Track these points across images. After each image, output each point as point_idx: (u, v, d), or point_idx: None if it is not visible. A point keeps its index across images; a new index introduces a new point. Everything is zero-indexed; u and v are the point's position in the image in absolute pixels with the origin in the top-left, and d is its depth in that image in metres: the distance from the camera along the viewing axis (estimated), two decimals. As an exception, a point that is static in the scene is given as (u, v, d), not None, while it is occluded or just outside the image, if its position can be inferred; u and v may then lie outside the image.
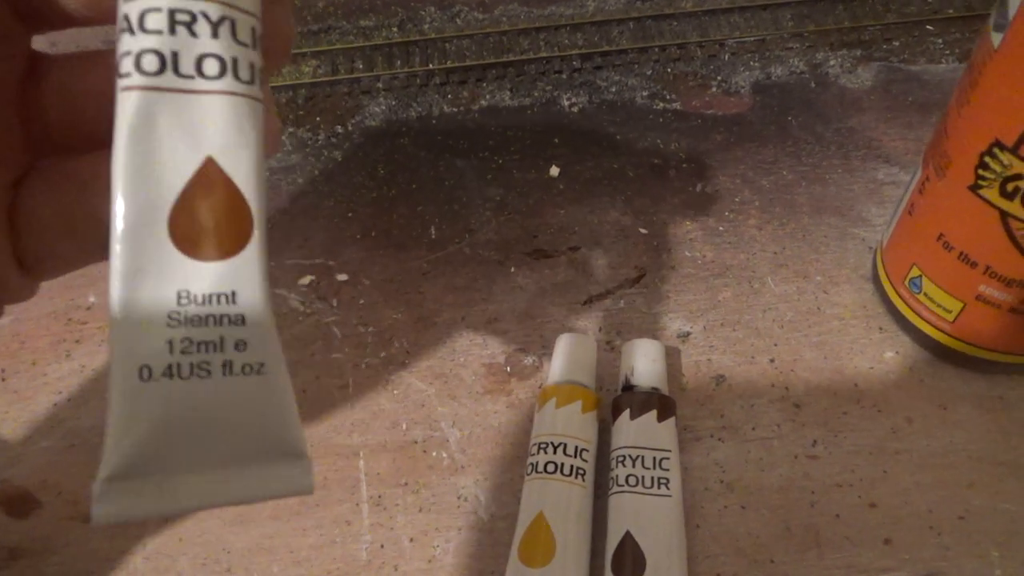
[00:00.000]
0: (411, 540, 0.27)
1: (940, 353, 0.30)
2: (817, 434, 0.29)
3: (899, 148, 0.38)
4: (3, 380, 0.32)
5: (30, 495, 0.29)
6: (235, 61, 0.12)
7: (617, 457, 0.27)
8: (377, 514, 0.28)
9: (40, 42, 0.15)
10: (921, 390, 0.30)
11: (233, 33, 0.12)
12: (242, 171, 0.13)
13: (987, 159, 0.25)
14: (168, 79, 0.12)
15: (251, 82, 0.13)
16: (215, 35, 0.12)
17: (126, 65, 0.12)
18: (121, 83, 0.12)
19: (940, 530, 0.27)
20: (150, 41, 0.12)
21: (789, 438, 0.29)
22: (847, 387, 0.30)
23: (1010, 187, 0.24)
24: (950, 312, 0.29)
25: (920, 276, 0.29)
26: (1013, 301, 0.27)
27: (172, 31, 0.12)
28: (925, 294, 0.29)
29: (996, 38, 0.24)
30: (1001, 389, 0.30)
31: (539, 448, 0.27)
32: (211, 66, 0.12)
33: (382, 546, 0.27)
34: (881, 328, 0.32)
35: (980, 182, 0.25)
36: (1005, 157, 0.24)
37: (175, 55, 0.12)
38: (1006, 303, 0.27)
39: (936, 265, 0.28)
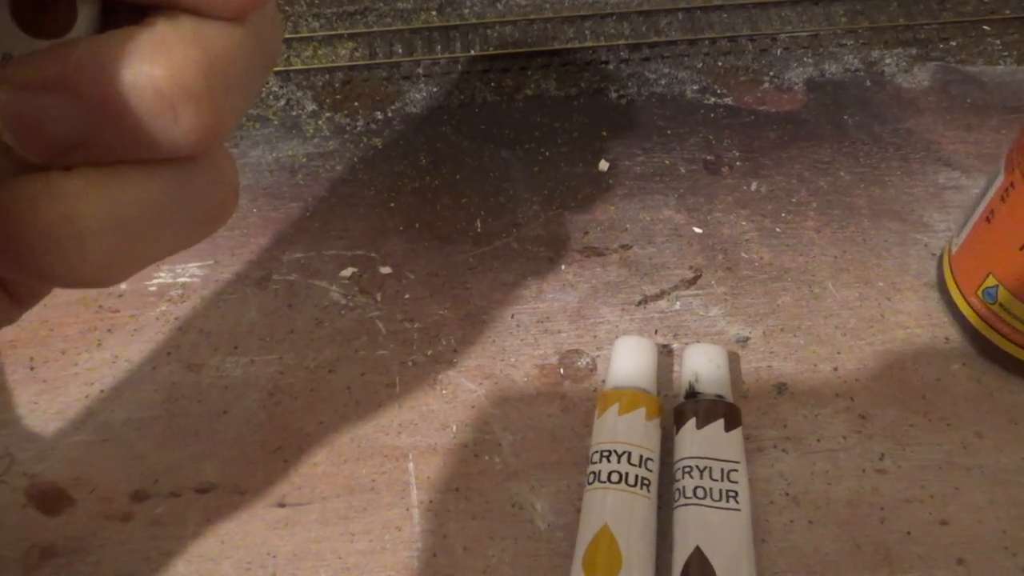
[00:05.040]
0: (465, 548, 0.26)
1: (1011, 366, 0.29)
2: (885, 447, 0.28)
3: (959, 152, 0.37)
4: (32, 369, 0.31)
5: (62, 491, 0.28)
6: None
7: (683, 468, 0.26)
8: (428, 520, 0.27)
9: None
10: (991, 404, 0.29)
11: None
12: None
13: (1088, 167, 0.24)
14: None
15: None
16: None
17: None
18: None
19: (1015, 551, 0.26)
20: None
21: (855, 451, 0.28)
22: (914, 399, 0.29)
23: (1111, 197, 0.23)
24: (1027, 324, 0.28)
25: (996, 286, 0.28)
26: (1100, 315, 0.26)
27: None
28: (1000, 305, 0.28)
29: (1105, 40, 0.23)
30: (1075, 405, 0.29)
31: (601, 456, 0.26)
32: None
33: (434, 554, 0.26)
34: (947, 338, 0.31)
35: (1078, 191, 0.24)
36: (1109, 166, 0.23)
37: None
38: (1091, 317, 0.26)
39: (1017, 275, 0.27)
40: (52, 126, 0.12)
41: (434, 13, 0.44)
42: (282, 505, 0.27)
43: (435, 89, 0.41)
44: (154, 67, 0.12)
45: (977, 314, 0.29)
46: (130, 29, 0.12)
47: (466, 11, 0.44)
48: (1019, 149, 0.27)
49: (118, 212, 0.12)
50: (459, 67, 0.41)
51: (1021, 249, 0.27)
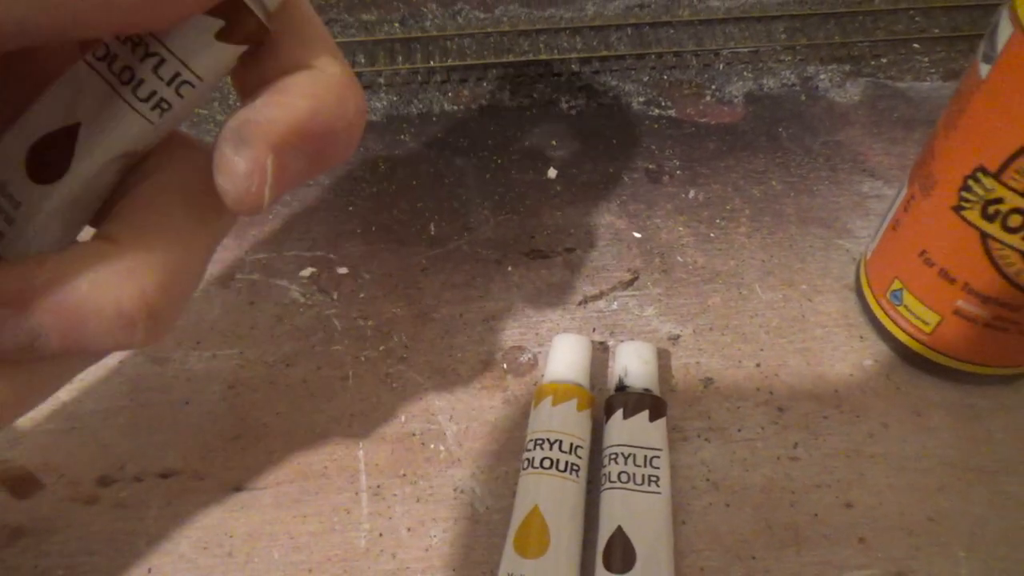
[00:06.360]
0: (408, 529, 0.28)
1: (917, 363, 0.32)
2: (799, 437, 0.31)
3: (884, 163, 0.40)
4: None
5: (32, 476, 0.29)
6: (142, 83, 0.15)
7: (610, 455, 0.28)
8: (376, 503, 0.29)
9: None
10: (897, 397, 0.32)
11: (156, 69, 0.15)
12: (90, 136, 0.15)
13: (971, 182, 0.26)
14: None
15: (148, 104, 0.15)
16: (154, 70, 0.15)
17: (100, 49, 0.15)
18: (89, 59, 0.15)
19: (911, 530, 0.28)
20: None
21: (772, 440, 0.31)
22: (828, 392, 0.32)
23: (991, 210, 0.26)
24: (928, 324, 0.30)
25: (901, 289, 0.31)
26: (988, 317, 0.28)
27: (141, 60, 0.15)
28: (905, 306, 0.31)
29: (984, 69, 0.25)
30: (973, 398, 0.31)
31: (535, 444, 0.28)
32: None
33: (380, 535, 0.28)
34: (862, 337, 0.33)
35: (963, 203, 0.27)
36: (988, 182, 0.25)
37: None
38: (981, 318, 0.29)
39: (917, 279, 0.30)
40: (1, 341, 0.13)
41: (397, 25, 0.46)
42: (239, 489, 0.29)
43: (395, 98, 0.43)
44: (122, 291, 0.13)
45: (887, 315, 0.32)
46: (98, 248, 0.13)
47: (427, 23, 0.46)
48: (919, 165, 0.30)
49: (10, 413, 0.14)
50: (419, 78, 0.43)
51: (919, 255, 0.29)
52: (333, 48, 0.16)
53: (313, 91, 0.15)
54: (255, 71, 0.16)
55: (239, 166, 0.14)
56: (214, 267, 0.35)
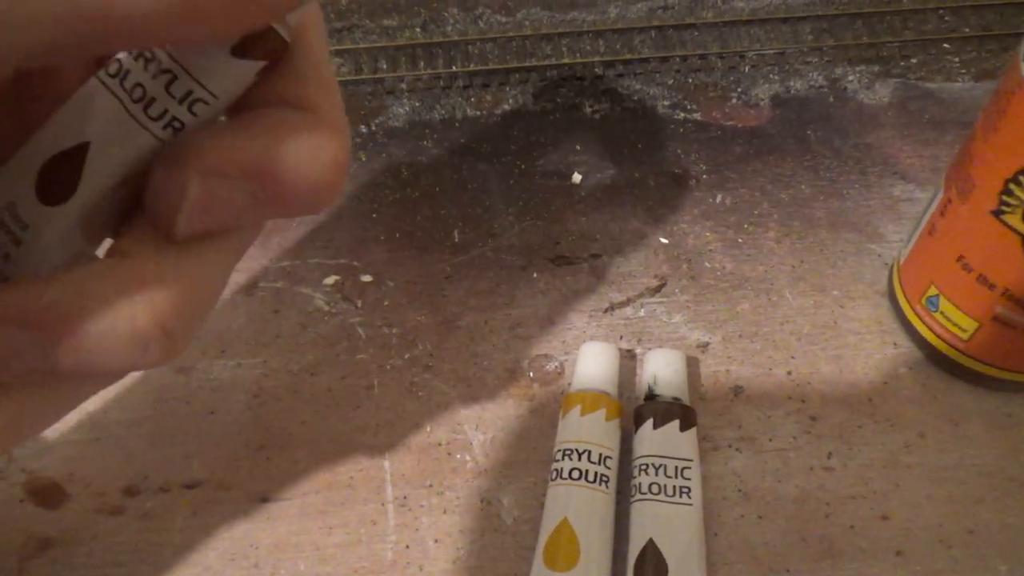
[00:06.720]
0: (436, 541, 0.28)
1: (953, 370, 0.31)
2: (832, 447, 0.30)
3: (915, 165, 0.39)
4: (30, 371, 0.32)
5: (58, 487, 0.29)
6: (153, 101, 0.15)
7: (640, 465, 0.28)
8: (402, 515, 0.29)
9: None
10: (933, 406, 0.31)
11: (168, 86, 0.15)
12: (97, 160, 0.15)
13: (1012, 186, 0.25)
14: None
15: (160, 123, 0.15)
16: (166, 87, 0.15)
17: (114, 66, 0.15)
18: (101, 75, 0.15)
19: (950, 543, 0.28)
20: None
21: (805, 450, 0.30)
22: (862, 401, 0.31)
23: (1033, 214, 0.25)
24: (965, 331, 0.29)
25: (938, 295, 0.30)
26: (1029, 324, 0.28)
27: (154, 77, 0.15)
28: (942, 312, 0.30)
29: (1025, 69, 0.24)
30: (1011, 407, 0.31)
31: (563, 454, 0.28)
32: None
33: (407, 547, 0.28)
34: (895, 344, 0.33)
35: (1003, 208, 0.26)
36: (1030, 185, 0.25)
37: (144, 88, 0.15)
38: (1022, 324, 0.28)
39: (954, 285, 0.29)
40: (12, 362, 0.12)
41: (418, 30, 0.46)
42: (265, 500, 0.29)
43: (418, 104, 0.42)
44: (135, 309, 0.12)
45: (922, 321, 0.31)
46: (109, 265, 0.13)
47: (449, 28, 0.46)
48: (956, 168, 0.29)
49: (24, 433, 0.13)
50: (441, 83, 0.43)
51: (957, 261, 0.28)
52: (335, 100, 0.15)
53: (280, 129, 0.14)
54: (247, 97, 0.15)
55: (157, 182, 0.13)
56: (238, 275, 0.35)
